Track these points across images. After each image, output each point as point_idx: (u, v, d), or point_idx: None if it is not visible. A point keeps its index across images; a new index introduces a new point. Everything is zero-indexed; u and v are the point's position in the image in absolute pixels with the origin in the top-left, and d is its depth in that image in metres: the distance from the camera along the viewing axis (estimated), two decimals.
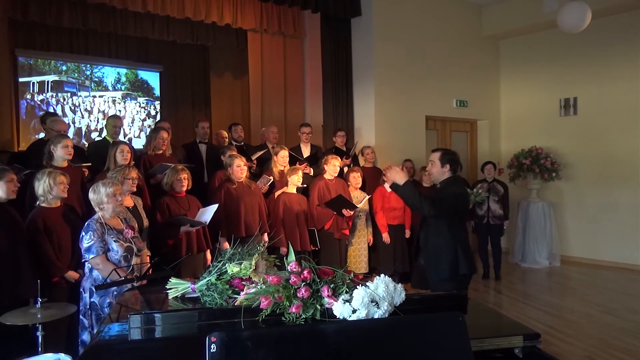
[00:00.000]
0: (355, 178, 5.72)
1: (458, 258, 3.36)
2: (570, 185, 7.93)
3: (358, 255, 5.79)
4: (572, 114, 7.93)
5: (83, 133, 7.48)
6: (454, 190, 3.44)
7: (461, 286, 3.33)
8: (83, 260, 3.26)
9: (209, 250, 4.46)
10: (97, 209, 3.31)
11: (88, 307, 3.20)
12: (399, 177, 3.46)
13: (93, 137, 7.41)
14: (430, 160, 3.59)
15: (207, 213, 4.17)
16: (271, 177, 5.28)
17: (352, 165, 6.29)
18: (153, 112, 8.13)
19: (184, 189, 4.33)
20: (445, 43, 7.82)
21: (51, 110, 7.04)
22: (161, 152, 4.99)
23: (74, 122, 7.34)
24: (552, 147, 7.89)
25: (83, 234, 3.21)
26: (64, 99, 7.36)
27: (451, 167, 3.49)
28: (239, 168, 4.74)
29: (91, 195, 3.31)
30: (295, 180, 5.13)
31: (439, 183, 3.59)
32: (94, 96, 7.59)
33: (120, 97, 7.86)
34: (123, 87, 7.89)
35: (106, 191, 3.26)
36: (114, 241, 3.23)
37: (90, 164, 4.58)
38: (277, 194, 5.22)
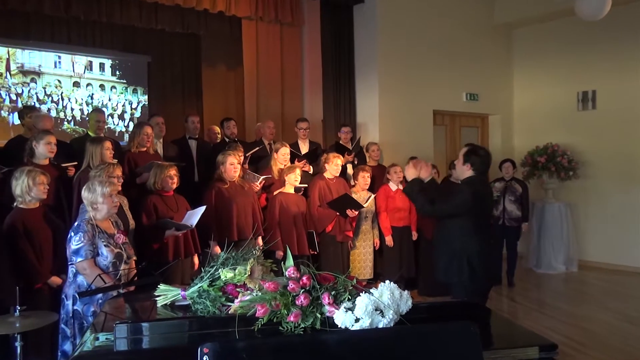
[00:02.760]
0: (365, 178, 5.68)
1: (463, 265, 3.35)
2: (588, 185, 7.93)
3: (362, 259, 5.79)
4: (591, 108, 7.92)
5: (65, 127, 7.47)
6: (462, 191, 3.43)
7: (474, 295, 3.30)
8: (69, 263, 3.23)
9: (196, 255, 4.45)
10: (89, 209, 3.27)
11: (71, 315, 3.18)
12: (409, 172, 3.55)
13: (78, 130, 7.40)
14: (459, 155, 3.62)
15: (194, 216, 4.17)
16: (259, 175, 5.24)
17: (357, 163, 6.28)
18: (140, 105, 8.11)
19: (174, 186, 4.32)
20: (454, 32, 7.82)
21: (33, 103, 7.03)
22: (145, 149, 4.98)
23: (58, 120, 7.32)
24: (569, 144, 7.89)
25: (72, 234, 3.18)
26: (45, 91, 7.35)
27: (473, 166, 3.45)
28: (232, 167, 4.73)
29: (85, 194, 3.28)
30: (292, 180, 5.12)
31: (461, 181, 3.60)
32: (76, 87, 7.58)
33: (105, 89, 7.84)
34: (108, 79, 7.88)
35: (102, 191, 3.24)
36: (105, 245, 3.20)
37: (76, 162, 4.57)
38: (275, 193, 5.21)
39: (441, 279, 3.53)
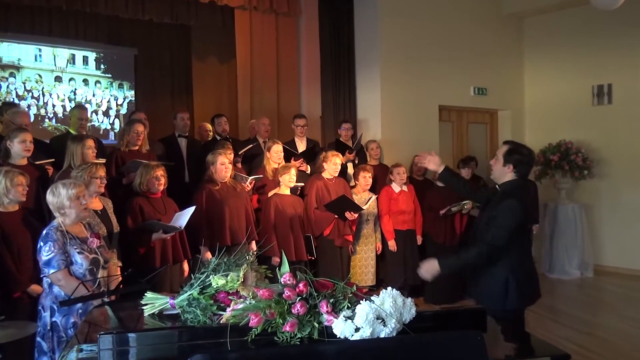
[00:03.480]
0: (366, 179, 5.71)
1: (508, 288, 3.08)
2: (604, 185, 7.94)
3: (364, 265, 5.80)
4: (607, 103, 7.93)
5: (46, 125, 7.46)
6: (510, 207, 3.09)
7: (512, 321, 3.06)
8: (42, 276, 3.19)
9: (186, 261, 4.45)
10: (57, 214, 3.23)
11: (49, 327, 3.14)
12: (430, 267, 3.19)
13: (60, 128, 7.39)
14: (496, 154, 3.35)
15: (183, 217, 4.16)
16: (247, 176, 5.23)
17: (357, 162, 6.28)
18: (126, 101, 8.10)
19: (161, 188, 4.32)
20: (461, 22, 7.82)
21: (12, 99, 7.01)
22: (137, 148, 4.97)
23: (39, 117, 7.31)
24: (583, 141, 7.90)
25: (41, 244, 3.13)
26: (25, 86, 7.34)
27: (516, 169, 3.19)
28: (223, 167, 4.73)
29: (49, 198, 3.22)
30: (287, 180, 5.12)
31: (499, 185, 3.32)
32: (58, 82, 7.57)
33: (89, 84, 7.83)
34: (92, 73, 7.87)
35: (68, 193, 3.19)
36: (78, 253, 3.16)
37: (53, 159, 4.56)
38: (269, 195, 5.21)
39: (479, 302, 3.27)
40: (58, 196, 3.20)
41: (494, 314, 3.16)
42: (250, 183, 5.19)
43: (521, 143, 3.34)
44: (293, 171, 5.14)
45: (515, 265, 3.12)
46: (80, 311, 3.11)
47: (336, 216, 5.34)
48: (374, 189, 5.94)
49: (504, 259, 3.12)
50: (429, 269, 3.16)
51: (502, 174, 3.24)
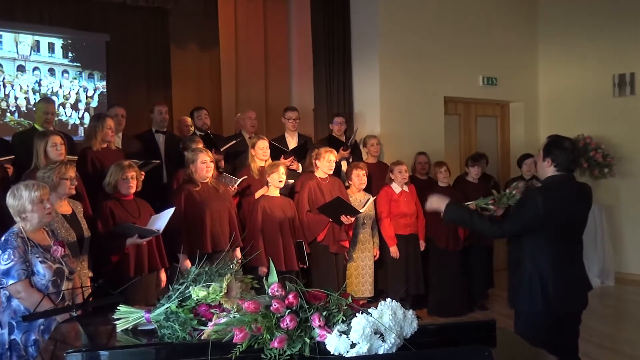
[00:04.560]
0: (360, 177, 5.72)
1: (532, 289, 3.23)
2: (627, 184, 7.98)
3: (361, 274, 5.80)
4: (629, 94, 7.97)
5: (8, 120, 7.42)
6: (531, 199, 3.27)
7: (548, 329, 3.20)
8: (0, 287, 3.17)
9: (164, 270, 4.44)
10: (17, 219, 3.21)
11: (7, 346, 3.12)
12: (436, 203, 3.50)
13: (23, 123, 7.36)
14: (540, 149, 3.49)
15: (161, 220, 4.16)
16: (237, 178, 5.24)
17: (352, 159, 6.29)
18: (97, 93, 8.08)
19: (132, 190, 4.31)
20: (469, 5, 7.85)
21: None
22: (107, 145, 4.98)
23: (0, 109, 7.28)
24: (603, 136, 7.93)
25: None
26: None
27: (555, 162, 3.31)
28: (204, 165, 4.72)
29: (10, 201, 3.20)
30: (276, 181, 5.10)
31: (541, 181, 3.54)
32: (21, 72, 7.54)
33: (55, 74, 7.80)
34: (59, 62, 7.84)
35: (30, 196, 3.16)
36: (40, 262, 3.14)
37: (12, 156, 4.55)
38: (257, 197, 5.21)
39: (510, 306, 3.48)
40: (19, 199, 3.18)
41: (522, 316, 3.30)
42: (239, 186, 5.19)
43: (564, 136, 3.44)
44: (282, 169, 5.11)
45: (541, 265, 3.25)
46: (42, 327, 3.09)
47: (331, 220, 5.34)
48: (369, 188, 5.94)
49: (528, 257, 3.28)
50: (435, 203, 3.47)
51: (543, 169, 3.40)
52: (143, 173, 4.61)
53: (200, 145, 5.16)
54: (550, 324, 3.24)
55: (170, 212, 4.18)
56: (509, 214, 3.39)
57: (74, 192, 4.03)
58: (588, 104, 8.24)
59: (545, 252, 3.26)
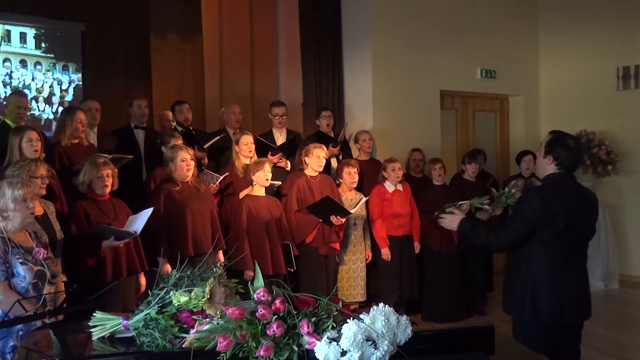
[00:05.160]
0: (351, 175, 5.72)
1: (526, 295, 3.25)
2: (631, 182, 8.03)
3: (352, 277, 5.81)
4: (634, 87, 8.02)
5: None
6: (529, 200, 3.29)
7: (540, 337, 3.21)
8: None
9: (143, 274, 4.43)
10: None
11: None
12: (450, 222, 3.52)
13: None
14: (541, 144, 3.48)
15: (139, 221, 4.14)
16: (219, 175, 5.22)
17: (342, 156, 6.29)
18: (72, 86, 8.04)
19: (108, 189, 4.29)
20: None
21: None
22: (78, 140, 4.96)
23: None
24: (607, 132, 7.98)
25: None
26: None
27: (556, 161, 3.30)
28: (184, 163, 4.71)
29: None
30: (262, 179, 5.08)
31: (541, 180, 3.52)
32: None
33: (27, 66, 7.75)
34: (31, 53, 7.79)
35: (13, 194, 3.19)
36: (21, 263, 3.17)
37: None
38: (241, 197, 5.20)
39: (504, 309, 3.54)
40: (2, 197, 3.21)
41: (518, 321, 3.32)
42: (220, 183, 5.18)
43: (568, 133, 3.43)
44: (267, 167, 5.10)
45: (536, 270, 3.25)
46: (21, 333, 3.10)
47: (320, 220, 5.34)
48: (361, 187, 5.95)
49: (524, 262, 3.28)
50: (450, 221, 3.50)
51: (544, 166, 3.39)
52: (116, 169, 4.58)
53: (180, 142, 5.15)
54: (545, 330, 3.25)
55: (148, 212, 4.17)
56: (506, 222, 3.36)
57: (44, 192, 4.01)
58: (591, 98, 8.28)
59: (541, 257, 3.25)
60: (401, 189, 6.02)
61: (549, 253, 3.25)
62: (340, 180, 5.80)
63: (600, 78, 8.23)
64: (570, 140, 3.36)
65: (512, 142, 8.73)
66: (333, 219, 5.32)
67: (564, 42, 8.57)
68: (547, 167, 3.35)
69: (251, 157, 5.42)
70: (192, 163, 4.78)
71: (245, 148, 5.42)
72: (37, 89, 7.80)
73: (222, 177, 5.19)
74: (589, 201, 3.50)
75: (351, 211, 5.45)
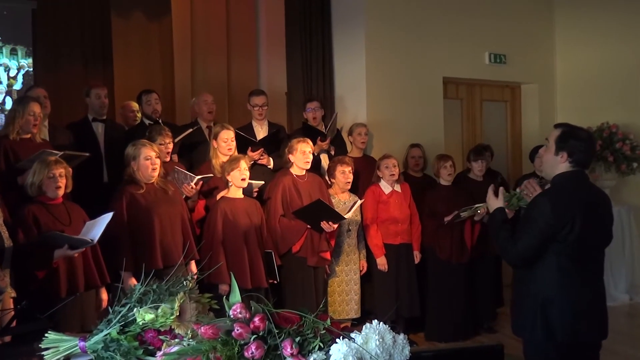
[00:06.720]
0: (345, 175, 5.71)
1: (536, 313, 3.25)
2: None
3: (345, 291, 5.81)
4: None
5: None
6: (538, 205, 3.29)
7: (552, 354, 3.25)
8: None
9: (104, 288, 4.42)
10: None
11: None
12: (492, 201, 3.64)
13: None
14: (546, 140, 3.45)
15: (97, 227, 4.12)
16: (194, 175, 5.20)
17: (334, 152, 6.28)
18: (21, 72, 8.01)
19: (60, 192, 4.27)
20: None
21: None
22: (29, 135, 4.93)
23: None
24: (632, 125, 8.03)
25: None
26: None
27: (571, 157, 3.27)
28: (149, 162, 4.68)
29: None
30: (238, 178, 5.05)
31: (551, 180, 3.44)
32: None
33: None
34: None
35: None
36: None
37: None
38: (217, 199, 5.19)
39: (513, 331, 3.52)
40: None
41: (528, 343, 3.32)
42: (196, 184, 5.13)
43: (577, 126, 3.41)
44: (243, 165, 5.05)
45: (547, 283, 3.25)
46: None
47: (309, 227, 5.33)
48: (355, 188, 5.94)
49: (533, 274, 3.28)
50: (492, 201, 3.63)
51: (554, 164, 3.34)
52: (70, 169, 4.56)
53: (169, 139, 5.15)
54: (559, 351, 3.25)
55: (107, 217, 4.14)
56: (516, 234, 3.33)
57: None
58: (613, 87, 8.33)
59: (554, 269, 3.25)
60: (399, 190, 6.02)
61: (561, 263, 3.24)
62: (332, 180, 5.78)
63: (624, 65, 8.27)
64: (583, 133, 3.36)
65: (525, 136, 8.76)
66: (324, 224, 5.31)
67: (583, 23, 8.61)
68: (560, 165, 3.32)
69: (230, 155, 5.37)
70: (158, 161, 4.74)
71: (225, 145, 5.36)
72: None
73: (197, 178, 5.08)
74: (603, 202, 3.49)
75: (345, 216, 5.43)
